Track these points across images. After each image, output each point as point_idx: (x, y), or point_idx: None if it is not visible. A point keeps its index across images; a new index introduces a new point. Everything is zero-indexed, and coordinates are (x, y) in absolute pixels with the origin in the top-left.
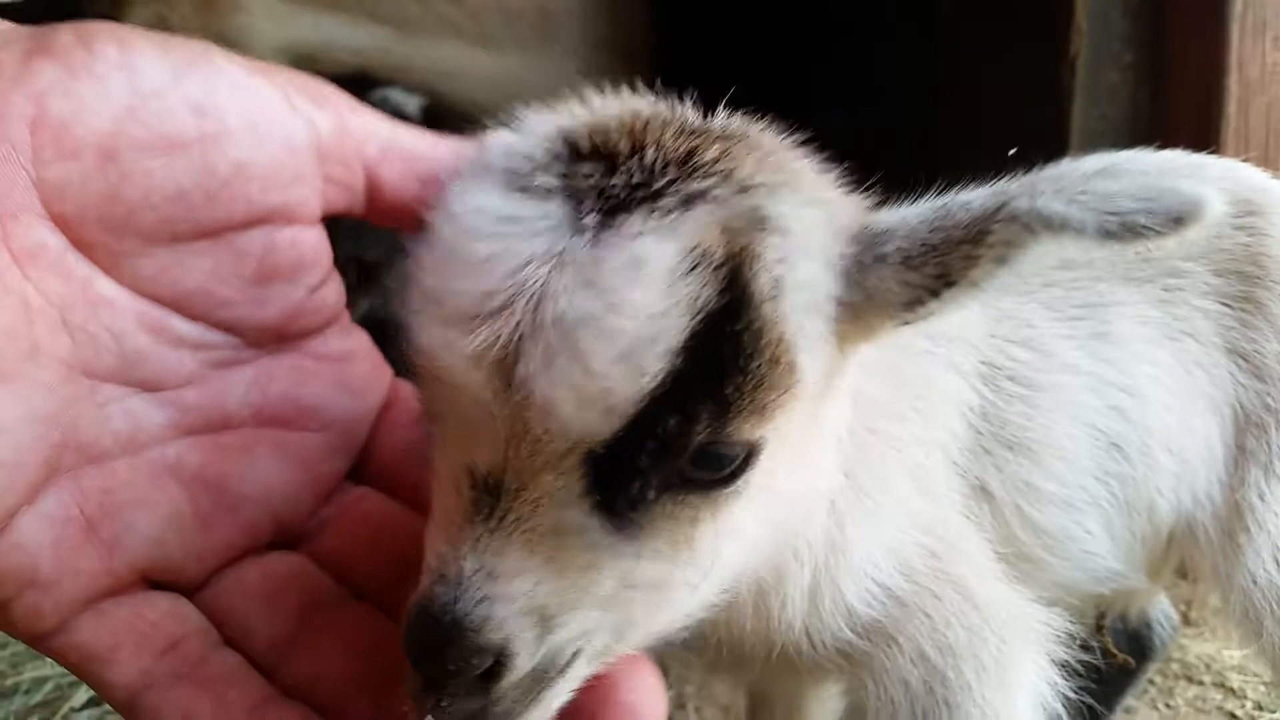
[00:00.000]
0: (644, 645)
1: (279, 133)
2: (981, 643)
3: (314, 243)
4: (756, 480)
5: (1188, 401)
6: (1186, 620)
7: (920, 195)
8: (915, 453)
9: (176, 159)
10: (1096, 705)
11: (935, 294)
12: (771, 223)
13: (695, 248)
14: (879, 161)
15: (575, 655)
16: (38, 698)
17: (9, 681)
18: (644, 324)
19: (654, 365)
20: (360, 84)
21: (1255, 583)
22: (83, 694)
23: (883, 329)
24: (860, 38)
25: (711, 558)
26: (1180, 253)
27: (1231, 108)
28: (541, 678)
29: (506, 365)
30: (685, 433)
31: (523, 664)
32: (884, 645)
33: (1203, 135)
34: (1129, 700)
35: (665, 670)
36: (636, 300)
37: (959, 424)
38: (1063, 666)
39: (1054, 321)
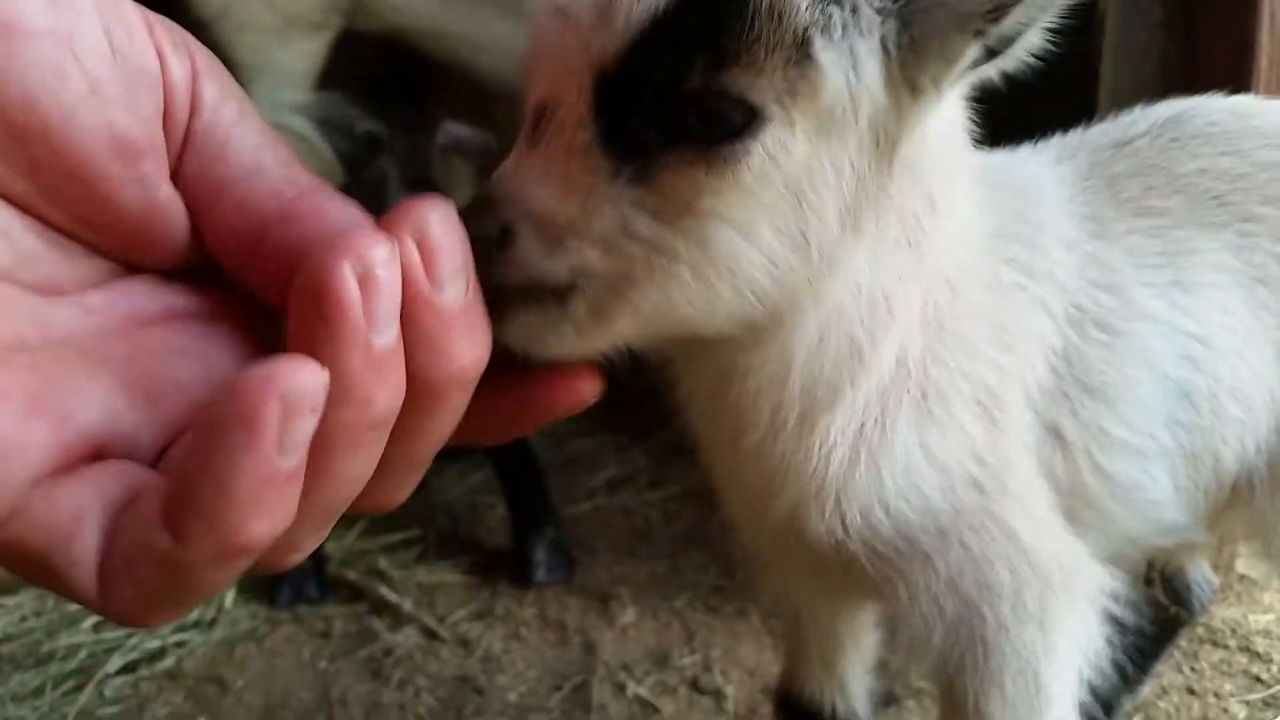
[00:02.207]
0: (658, 331)
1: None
2: (1025, 586)
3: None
4: (763, 163)
5: (1255, 347)
6: None
7: None
8: (987, 374)
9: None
10: (1131, 667)
11: None
12: None
13: None
14: None
15: (573, 290)
16: (72, 664)
17: (44, 649)
18: None
19: None
20: (391, 51)
21: None
22: (117, 660)
23: (956, 53)
24: None
25: (716, 242)
26: (1257, 198)
27: (1263, 63)
28: (538, 286)
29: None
30: (682, 71)
31: (523, 252)
32: (920, 562)
33: (1234, 93)
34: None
35: (691, 634)
36: None
37: (1041, 364)
38: (1113, 625)
39: (1135, 268)
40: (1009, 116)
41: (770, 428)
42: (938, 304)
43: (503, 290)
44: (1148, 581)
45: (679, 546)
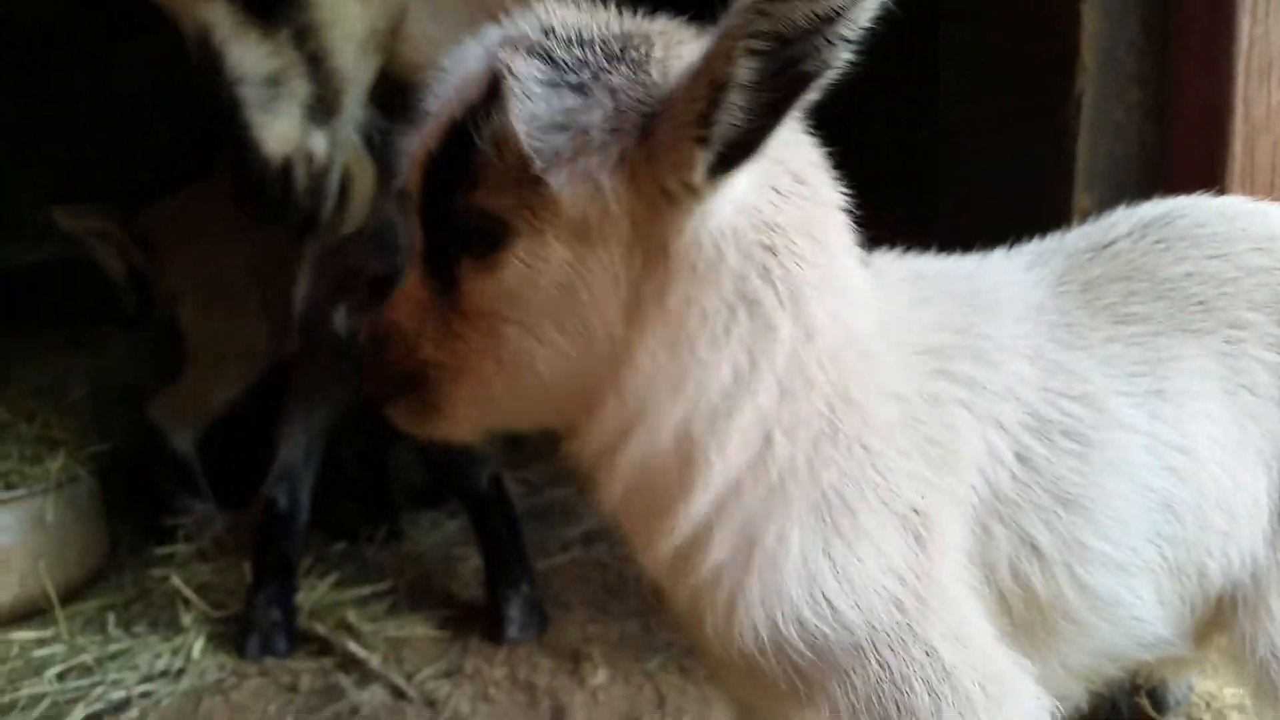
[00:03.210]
0: (502, 417)
1: None
2: (944, 709)
3: None
4: (520, 269)
5: (1239, 456)
6: None
7: (919, 225)
8: (906, 490)
9: None
10: None
11: (714, 102)
12: (531, 48)
13: (482, 59)
14: (873, 192)
15: (427, 382)
16: (35, 714)
17: (6, 698)
18: (439, 109)
19: (435, 136)
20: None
21: (1275, 655)
22: (81, 711)
23: (688, 159)
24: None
25: (504, 338)
26: (1244, 303)
27: (1237, 146)
28: (407, 380)
29: None
30: (449, 193)
31: (390, 355)
32: (838, 676)
33: (1208, 174)
34: None
35: (662, 698)
36: (442, 92)
37: (1000, 476)
38: None
39: (1111, 378)
40: (985, 195)
41: (625, 503)
42: (824, 413)
43: (385, 386)
44: (1134, 689)
45: (652, 604)
